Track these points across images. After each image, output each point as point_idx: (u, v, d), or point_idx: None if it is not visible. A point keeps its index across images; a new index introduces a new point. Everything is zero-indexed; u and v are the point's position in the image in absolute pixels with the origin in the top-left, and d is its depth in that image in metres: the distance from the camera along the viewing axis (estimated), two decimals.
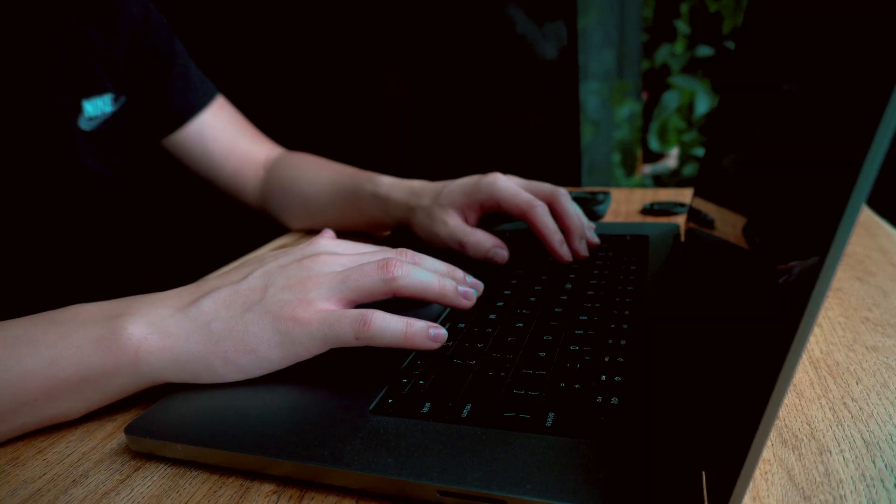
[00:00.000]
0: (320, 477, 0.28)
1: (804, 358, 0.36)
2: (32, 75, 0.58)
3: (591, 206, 0.66)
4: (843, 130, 0.19)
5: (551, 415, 0.29)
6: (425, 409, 0.31)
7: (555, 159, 1.07)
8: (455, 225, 0.52)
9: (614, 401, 0.30)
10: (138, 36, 0.67)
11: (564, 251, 0.49)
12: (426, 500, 0.26)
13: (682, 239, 0.56)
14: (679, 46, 2.17)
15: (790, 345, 0.19)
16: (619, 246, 0.54)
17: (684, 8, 2.16)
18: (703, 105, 2.12)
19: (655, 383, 0.31)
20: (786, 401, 0.32)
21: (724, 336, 0.28)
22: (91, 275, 0.68)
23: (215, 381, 0.34)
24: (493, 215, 0.54)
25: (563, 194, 0.51)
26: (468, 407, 0.31)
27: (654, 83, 2.19)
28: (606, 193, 0.71)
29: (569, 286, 0.45)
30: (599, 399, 0.30)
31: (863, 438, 0.29)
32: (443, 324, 0.41)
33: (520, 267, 0.50)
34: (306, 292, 0.35)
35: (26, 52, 0.58)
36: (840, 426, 0.30)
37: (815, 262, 0.18)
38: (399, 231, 0.60)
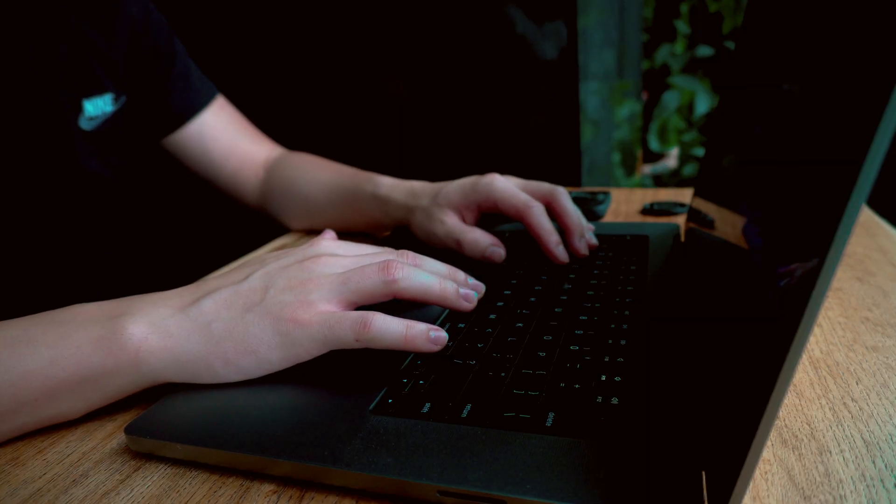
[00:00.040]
0: (320, 477, 0.28)
1: (804, 358, 0.36)
2: (32, 75, 0.58)
3: (591, 206, 0.66)
4: (843, 130, 0.19)
5: (551, 415, 0.29)
6: (425, 409, 0.31)
7: (555, 159, 1.07)
8: (452, 224, 0.52)
9: (614, 401, 0.30)
10: (138, 36, 0.67)
11: (560, 252, 0.49)
12: (426, 500, 0.26)
13: (682, 239, 0.56)
14: (679, 46, 2.17)
15: (790, 345, 0.19)
16: (619, 246, 0.54)
17: (684, 8, 2.16)
18: (703, 105, 2.12)
19: (655, 383, 0.31)
20: (786, 401, 0.32)
21: (724, 336, 0.28)
22: (91, 275, 0.68)
23: (215, 382, 0.34)
24: (492, 216, 0.54)
25: (562, 193, 0.51)
26: (468, 407, 0.31)
27: (654, 83, 2.19)
28: (606, 193, 0.71)
29: (569, 286, 0.45)
30: (599, 399, 0.30)
31: (863, 438, 0.29)
32: (443, 324, 0.41)
33: (520, 267, 0.50)
34: (307, 294, 0.35)
35: (26, 52, 0.58)
36: (840, 426, 0.30)
37: (815, 262, 0.18)
38: (399, 232, 0.60)
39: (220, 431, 0.31)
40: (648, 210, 0.69)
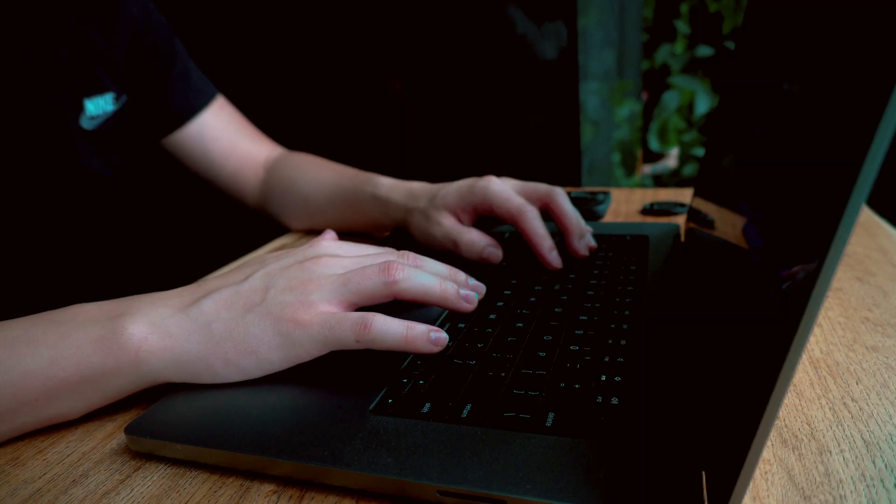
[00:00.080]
0: (320, 477, 0.28)
1: (804, 358, 0.36)
2: (33, 75, 0.58)
3: (590, 206, 0.66)
4: (843, 130, 0.19)
5: (551, 415, 0.29)
6: (425, 409, 0.31)
7: (555, 159, 1.07)
8: (449, 226, 0.52)
9: (614, 401, 0.30)
10: (138, 36, 0.67)
11: (553, 258, 0.48)
12: (426, 500, 0.26)
13: (682, 239, 0.56)
14: (679, 46, 2.17)
15: (790, 345, 0.19)
16: (619, 246, 0.54)
17: (684, 8, 2.16)
18: (703, 105, 2.12)
19: (655, 383, 0.31)
20: (786, 401, 0.32)
21: (724, 336, 0.28)
22: (91, 275, 0.68)
23: (215, 382, 0.34)
24: (490, 216, 0.54)
25: (560, 194, 0.51)
26: (468, 407, 0.31)
27: (654, 83, 2.19)
28: (606, 193, 0.71)
29: (569, 286, 0.45)
30: (599, 399, 0.30)
31: (863, 438, 0.29)
32: (443, 324, 0.41)
33: (520, 267, 0.50)
34: (307, 294, 0.35)
35: (26, 52, 0.58)
36: (840, 426, 0.30)
37: (815, 262, 0.18)
38: (398, 232, 0.60)
39: (220, 431, 0.31)
40: (648, 210, 0.69)
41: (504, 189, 0.50)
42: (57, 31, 0.60)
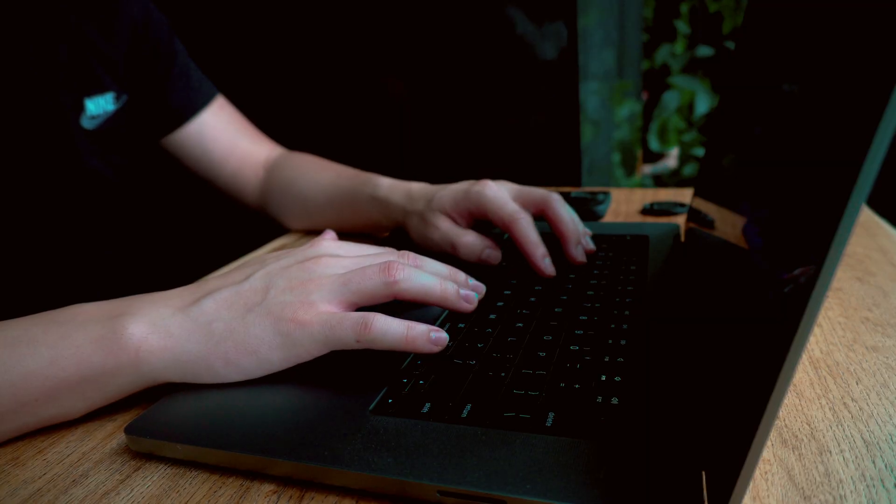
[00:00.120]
0: (320, 477, 0.28)
1: (804, 358, 0.36)
2: (33, 75, 0.58)
3: (590, 206, 0.66)
4: (843, 130, 0.19)
5: (551, 415, 0.29)
6: (425, 409, 0.31)
7: (555, 159, 1.07)
8: (447, 228, 0.52)
9: (614, 401, 0.30)
10: (138, 36, 0.67)
11: (546, 265, 0.47)
12: (426, 500, 0.26)
13: (682, 239, 0.56)
14: (679, 46, 2.17)
15: (790, 345, 0.19)
16: (619, 246, 0.54)
17: (684, 8, 2.16)
18: (703, 105, 2.12)
19: (655, 383, 0.31)
20: (786, 401, 0.32)
21: (724, 336, 0.28)
22: (91, 275, 0.68)
23: (216, 382, 0.34)
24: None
25: (557, 199, 0.50)
26: (468, 407, 0.31)
27: (654, 83, 2.19)
28: (606, 193, 0.71)
29: (569, 286, 0.45)
30: (599, 399, 0.30)
31: (863, 438, 0.29)
32: (443, 324, 0.41)
33: (519, 267, 0.50)
34: (308, 294, 0.35)
35: (26, 52, 0.58)
36: (840, 426, 0.30)
37: (816, 262, 0.18)
38: (397, 232, 0.60)
39: (220, 431, 0.31)
40: (648, 210, 0.69)
41: (498, 195, 0.49)
42: (57, 31, 0.60)
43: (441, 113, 1.10)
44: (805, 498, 0.25)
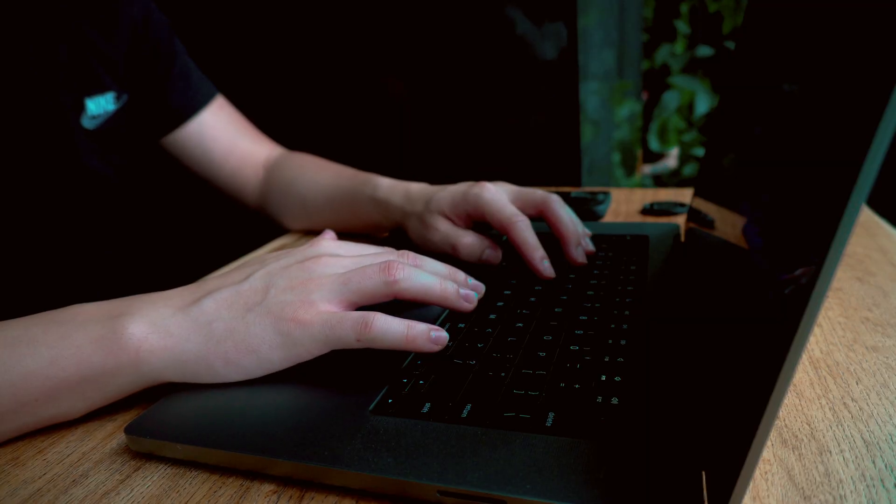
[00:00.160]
0: (320, 477, 0.28)
1: (804, 358, 0.36)
2: (33, 75, 0.58)
3: (590, 206, 0.66)
4: (843, 130, 0.19)
5: (551, 415, 0.29)
6: (425, 409, 0.31)
7: (555, 159, 1.07)
8: (446, 229, 0.52)
9: (614, 401, 0.30)
10: (138, 36, 0.67)
11: (545, 268, 0.47)
12: (426, 500, 0.27)
13: (682, 239, 0.56)
14: (679, 46, 2.17)
15: (790, 345, 0.19)
16: (619, 246, 0.54)
17: (684, 8, 2.16)
18: (703, 105, 2.12)
19: (655, 383, 0.31)
20: (786, 401, 0.32)
21: (724, 336, 0.28)
22: (91, 275, 0.68)
23: (216, 381, 0.34)
24: None
25: (556, 201, 0.50)
26: (468, 407, 0.31)
27: (654, 83, 2.19)
28: (606, 193, 0.71)
29: (569, 286, 0.45)
30: (599, 399, 0.30)
31: (863, 438, 0.29)
32: (443, 324, 0.41)
33: (519, 267, 0.50)
34: (308, 294, 0.35)
35: (26, 52, 0.58)
36: (840, 426, 0.30)
37: (816, 262, 0.18)
38: (397, 232, 0.60)
39: (220, 431, 0.31)
40: (648, 210, 0.69)
41: (496, 197, 0.49)
42: (57, 31, 0.60)
43: (441, 113, 1.10)
44: (805, 498, 0.25)
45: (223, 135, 0.72)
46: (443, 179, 0.58)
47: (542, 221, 0.50)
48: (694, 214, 0.50)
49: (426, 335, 0.34)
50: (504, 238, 0.56)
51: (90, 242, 0.67)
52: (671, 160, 2.26)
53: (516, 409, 0.30)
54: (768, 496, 0.26)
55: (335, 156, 0.74)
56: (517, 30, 1.01)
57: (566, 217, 0.49)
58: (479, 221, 0.52)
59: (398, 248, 0.44)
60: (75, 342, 0.33)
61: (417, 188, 0.57)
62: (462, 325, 0.40)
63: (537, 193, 0.50)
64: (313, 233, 0.71)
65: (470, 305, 0.39)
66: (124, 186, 0.68)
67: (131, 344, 0.33)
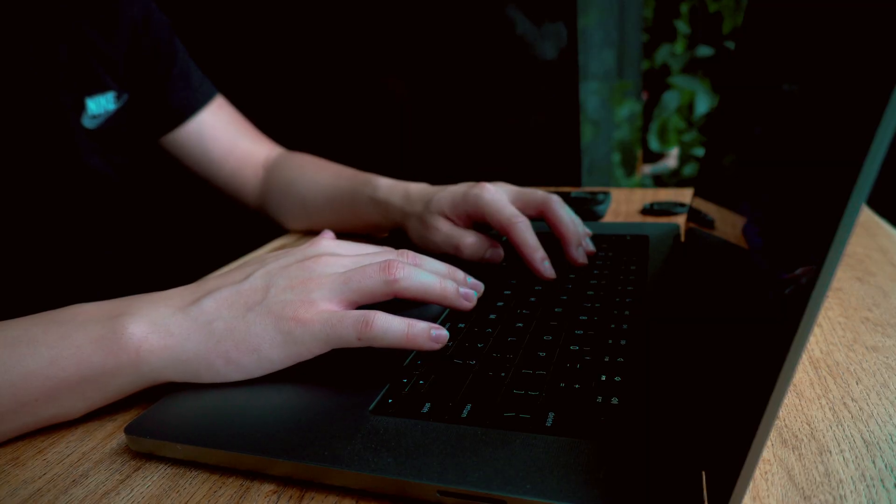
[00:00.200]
0: (320, 477, 0.28)
1: (804, 358, 0.36)
2: (33, 75, 0.58)
3: (590, 206, 0.66)
4: (843, 130, 0.19)
5: (551, 415, 0.29)
6: (425, 409, 0.31)
7: (555, 159, 1.07)
8: (448, 230, 0.52)
9: (614, 401, 0.30)
10: (138, 36, 0.67)
11: (545, 269, 0.47)
12: (426, 500, 0.27)
13: (682, 239, 0.56)
14: (679, 46, 2.17)
15: (790, 345, 0.19)
16: (619, 246, 0.54)
17: (684, 8, 2.16)
18: (703, 105, 2.12)
19: (655, 383, 0.31)
20: (786, 401, 0.32)
21: (724, 336, 0.28)
22: (91, 275, 0.68)
23: (216, 381, 0.34)
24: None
25: (556, 201, 0.50)
26: (468, 407, 0.31)
27: (654, 83, 2.19)
28: (606, 193, 0.71)
29: (569, 286, 0.45)
30: (599, 399, 0.30)
31: (863, 438, 0.29)
32: (443, 324, 0.41)
33: (519, 267, 0.50)
34: (308, 293, 0.35)
35: (26, 52, 0.58)
36: (840, 426, 0.30)
37: (816, 262, 0.18)
38: (396, 232, 0.60)
39: (220, 431, 0.31)
40: (648, 210, 0.69)
41: (496, 198, 0.49)
42: (57, 31, 0.60)
43: (441, 113, 1.10)
44: (805, 498, 0.25)
45: (223, 135, 0.72)
46: (443, 179, 0.58)
47: (542, 222, 0.50)
48: (694, 214, 0.50)
49: (427, 333, 0.34)
50: (504, 239, 0.56)
51: (90, 242, 0.67)
52: (671, 160, 2.26)
53: (516, 409, 0.30)
54: (768, 496, 0.26)
55: (335, 156, 0.74)
56: (517, 30, 1.01)
57: (567, 217, 0.49)
58: (479, 222, 0.52)
59: (398, 247, 0.44)
60: (75, 342, 0.33)
61: (417, 189, 0.57)
62: (462, 325, 0.40)
63: (537, 194, 0.50)
64: (313, 233, 0.71)
65: (469, 304, 0.39)
66: (125, 186, 0.68)
67: (131, 344, 0.33)
